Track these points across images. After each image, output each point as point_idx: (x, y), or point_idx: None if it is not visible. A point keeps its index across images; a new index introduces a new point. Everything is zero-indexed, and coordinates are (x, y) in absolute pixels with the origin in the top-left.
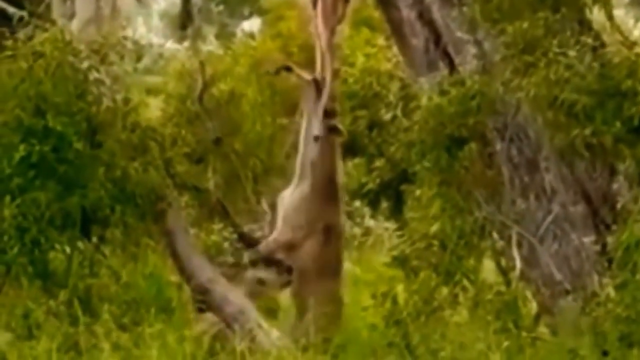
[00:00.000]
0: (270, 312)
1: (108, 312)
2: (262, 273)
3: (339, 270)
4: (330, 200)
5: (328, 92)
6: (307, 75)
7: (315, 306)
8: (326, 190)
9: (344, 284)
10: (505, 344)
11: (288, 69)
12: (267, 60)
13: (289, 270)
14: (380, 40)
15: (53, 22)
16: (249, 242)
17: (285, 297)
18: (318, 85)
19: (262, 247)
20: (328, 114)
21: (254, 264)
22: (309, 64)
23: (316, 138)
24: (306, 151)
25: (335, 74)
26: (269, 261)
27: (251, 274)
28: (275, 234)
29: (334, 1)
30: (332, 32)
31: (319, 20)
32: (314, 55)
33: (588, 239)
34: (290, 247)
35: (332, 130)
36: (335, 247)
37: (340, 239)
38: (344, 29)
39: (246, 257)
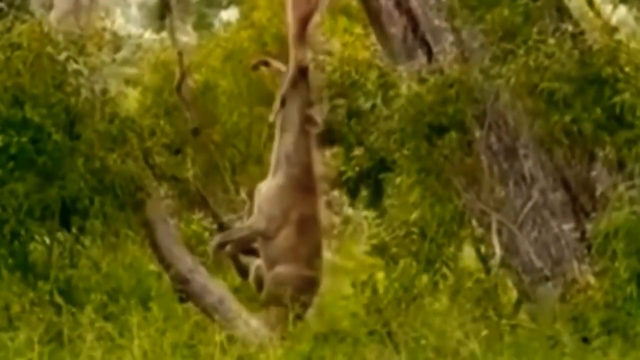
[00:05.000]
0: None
1: (89, 303)
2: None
3: (314, 261)
4: (306, 191)
5: (301, 82)
6: (282, 67)
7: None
8: (302, 181)
9: (323, 274)
10: (485, 331)
11: (266, 64)
12: (241, 51)
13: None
14: (358, 29)
15: (31, 14)
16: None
17: None
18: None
19: (235, 231)
20: (307, 104)
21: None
22: (284, 54)
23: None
24: (281, 142)
25: (299, 63)
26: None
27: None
28: (250, 221)
29: None
30: (302, 20)
31: (288, 8)
32: (288, 44)
33: (567, 226)
34: (265, 237)
35: (307, 120)
36: (312, 238)
37: (318, 230)
38: (320, 17)
39: (216, 239)
